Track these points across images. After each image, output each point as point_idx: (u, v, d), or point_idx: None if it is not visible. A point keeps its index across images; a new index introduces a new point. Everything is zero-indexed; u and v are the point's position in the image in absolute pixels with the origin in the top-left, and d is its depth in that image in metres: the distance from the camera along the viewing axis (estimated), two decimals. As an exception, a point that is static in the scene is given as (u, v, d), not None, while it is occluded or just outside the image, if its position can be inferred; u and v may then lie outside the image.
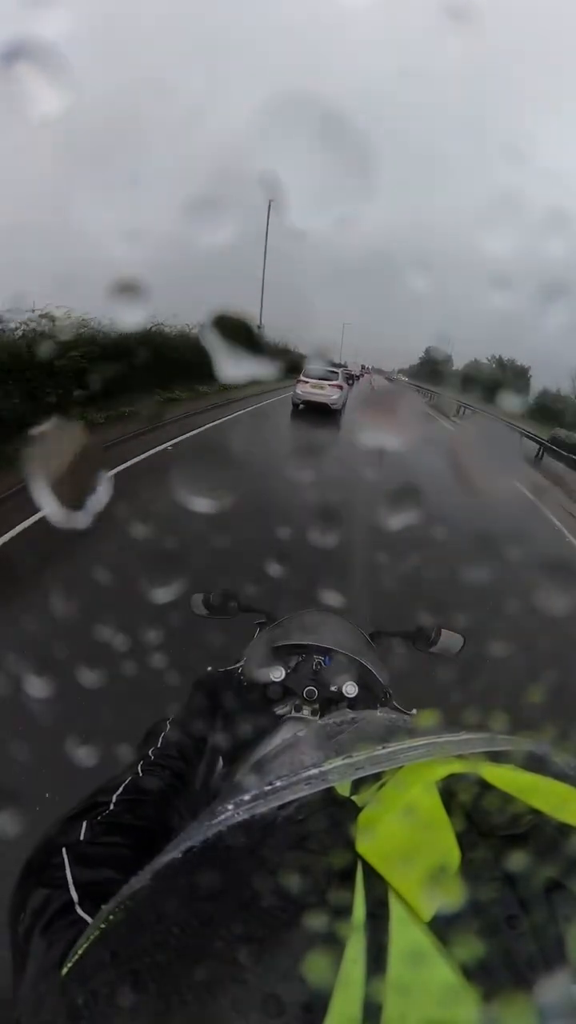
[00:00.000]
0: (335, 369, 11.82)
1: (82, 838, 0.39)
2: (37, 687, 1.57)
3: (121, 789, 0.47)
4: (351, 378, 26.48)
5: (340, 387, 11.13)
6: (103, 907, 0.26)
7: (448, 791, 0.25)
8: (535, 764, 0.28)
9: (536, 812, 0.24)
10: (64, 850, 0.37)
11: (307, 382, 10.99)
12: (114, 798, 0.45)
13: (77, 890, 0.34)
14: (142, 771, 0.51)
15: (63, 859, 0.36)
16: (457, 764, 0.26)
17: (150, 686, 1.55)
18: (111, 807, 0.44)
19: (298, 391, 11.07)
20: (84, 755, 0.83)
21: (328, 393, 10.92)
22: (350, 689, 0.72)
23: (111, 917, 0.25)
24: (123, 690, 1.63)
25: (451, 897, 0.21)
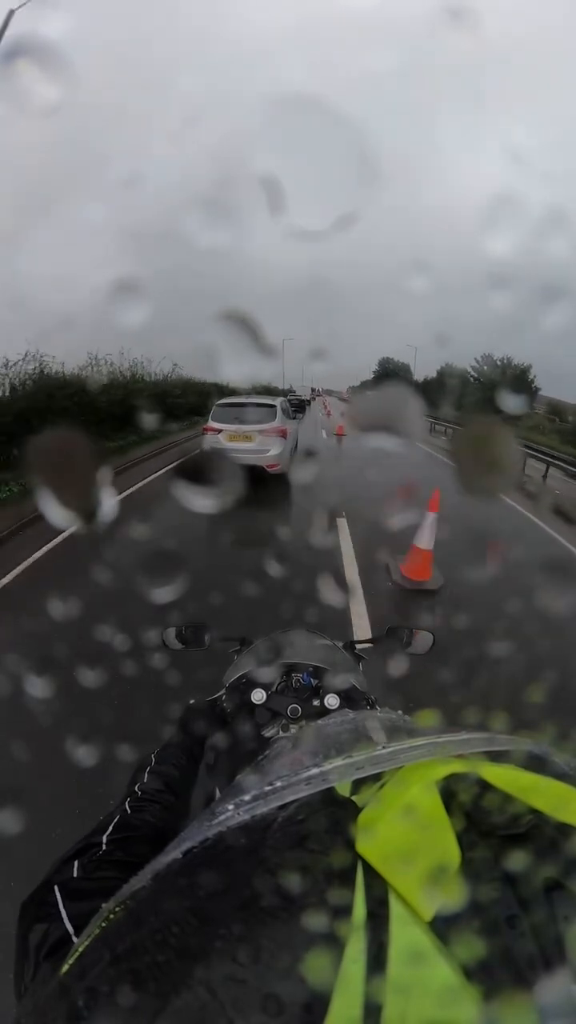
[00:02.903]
0: (269, 401, 6.80)
1: (75, 876, 0.40)
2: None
3: (111, 828, 0.47)
4: (300, 406, 21.34)
5: (281, 433, 6.30)
6: (103, 906, 0.26)
7: (448, 791, 0.25)
8: (535, 764, 0.28)
9: (536, 812, 0.24)
10: (56, 888, 0.38)
11: (221, 431, 6.36)
12: (104, 838, 0.45)
13: (71, 923, 0.34)
14: (130, 808, 0.52)
15: (56, 896, 0.37)
16: (457, 764, 0.26)
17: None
18: (103, 847, 0.44)
19: (208, 448, 6.45)
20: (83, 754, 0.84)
21: (261, 446, 6.20)
22: (332, 701, 0.73)
23: (111, 916, 0.25)
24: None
25: (451, 897, 0.21)
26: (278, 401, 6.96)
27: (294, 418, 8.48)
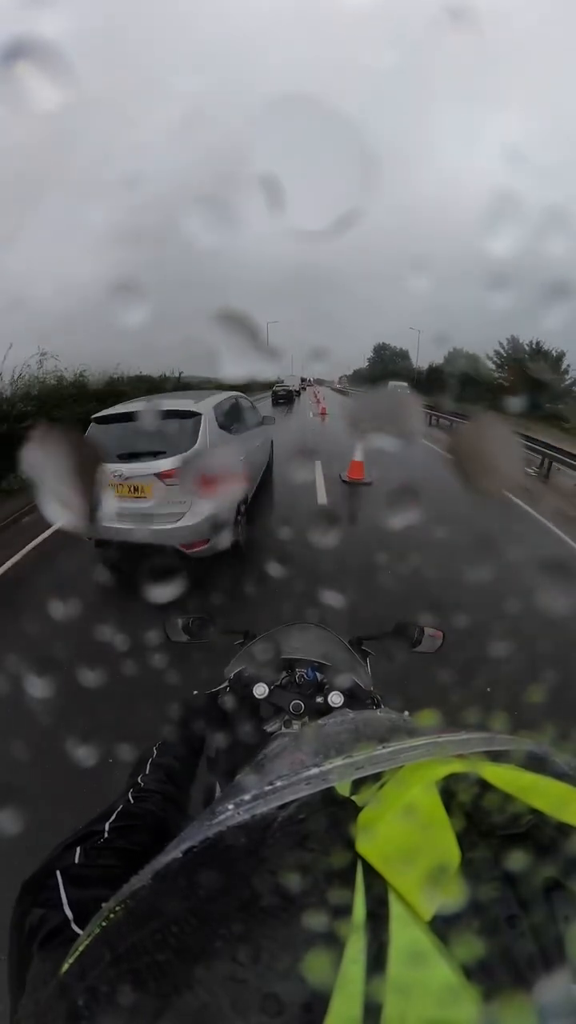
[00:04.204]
0: (187, 407, 3.32)
1: (76, 862, 0.40)
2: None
3: (114, 816, 0.47)
4: (288, 397, 19.07)
5: (208, 477, 3.23)
6: (104, 905, 0.26)
7: (448, 791, 0.25)
8: (535, 764, 0.28)
9: (536, 812, 0.24)
10: (58, 872, 0.38)
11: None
12: (107, 826, 0.45)
13: (71, 909, 0.34)
14: (133, 798, 0.52)
15: (57, 881, 0.37)
16: (457, 764, 0.26)
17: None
18: (105, 835, 0.44)
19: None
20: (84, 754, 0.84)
21: (164, 505, 3.07)
22: (336, 699, 0.72)
23: (111, 916, 0.25)
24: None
25: (451, 897, 0.21)
26: (207, 405, 3.40)
27: (261, 423, 4.97)
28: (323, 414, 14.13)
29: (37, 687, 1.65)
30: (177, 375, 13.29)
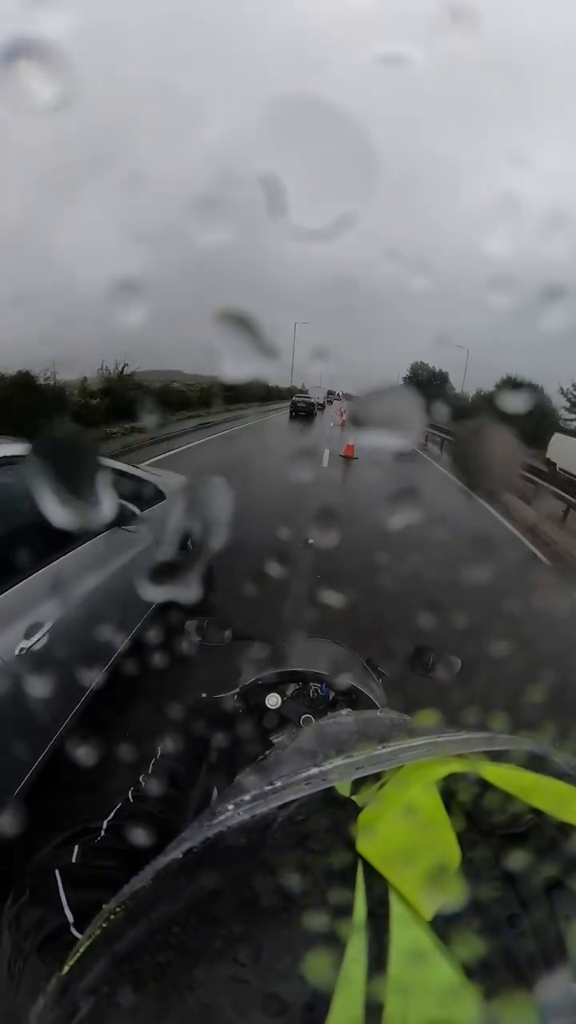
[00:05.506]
0: None
1: (74, 861, 0.39)
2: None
3: (112, 815, 0.47)
4: (308, 409, 17.56)
5: None
6: (104, 906, 0.26)
7: (448, 791, 0.25)
8: (535, 764, 0.28)
9: (536, 811, 0.24)
10: (57, 872, 0.37)
11: None
12: (104, 824, 0.45)
13: (72, 911, 0.34)
14: (133, 798, 0.52)
15: (56, 881, 0.36)
16: (457, 764, 0.26)
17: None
18: (102, 833, 0.44)
19: None
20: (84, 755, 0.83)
21: None
22: None
23: (112, 917, 0.25)
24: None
25: (452, 896, 0.22)
26: None
27: (125, 522, 1.85)
28: (349, 455, 8.61)
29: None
30: (120, 368, 10.57)
